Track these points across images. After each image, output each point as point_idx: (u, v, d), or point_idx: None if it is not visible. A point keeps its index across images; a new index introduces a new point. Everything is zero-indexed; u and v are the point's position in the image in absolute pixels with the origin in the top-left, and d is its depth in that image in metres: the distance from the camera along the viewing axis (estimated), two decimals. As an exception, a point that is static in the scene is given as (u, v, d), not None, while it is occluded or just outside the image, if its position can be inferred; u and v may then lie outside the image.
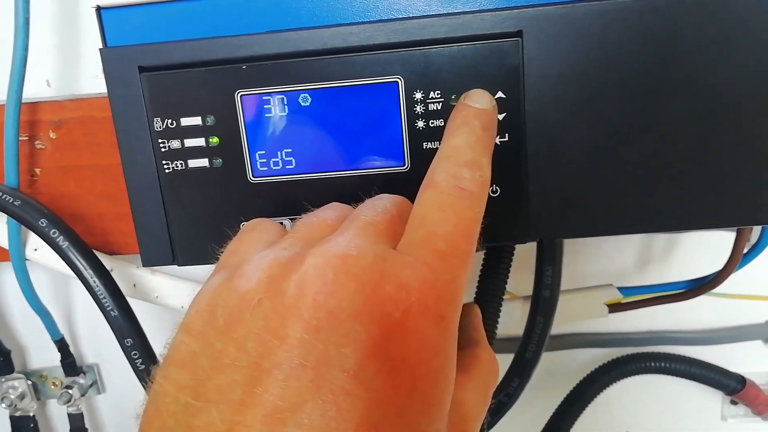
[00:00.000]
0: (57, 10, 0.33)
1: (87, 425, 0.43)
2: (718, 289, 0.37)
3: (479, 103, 0.22)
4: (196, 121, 0.23)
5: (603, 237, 0.40)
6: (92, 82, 0.34)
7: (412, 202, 0.21)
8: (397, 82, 0.23)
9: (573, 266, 0.39)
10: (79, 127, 0.35)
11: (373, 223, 0.18)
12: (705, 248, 0.40)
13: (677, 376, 0.40)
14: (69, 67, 0.34)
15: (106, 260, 0.36)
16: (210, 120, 0.23)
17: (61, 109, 0.35)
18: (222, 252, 0.21)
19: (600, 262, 0.41)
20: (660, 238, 0.40)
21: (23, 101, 0.33)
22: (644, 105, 0.22)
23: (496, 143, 0.23)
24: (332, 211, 0.21)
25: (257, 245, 0.20)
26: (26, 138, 0.35)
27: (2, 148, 0.33)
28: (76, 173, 0.36)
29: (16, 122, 0.33)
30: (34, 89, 0.34)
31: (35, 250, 0.36)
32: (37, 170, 0.36)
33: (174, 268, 0.39)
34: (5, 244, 0.35)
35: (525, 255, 0.36)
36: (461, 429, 0.18)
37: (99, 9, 0.23)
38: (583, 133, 0.23)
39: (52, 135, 0.35)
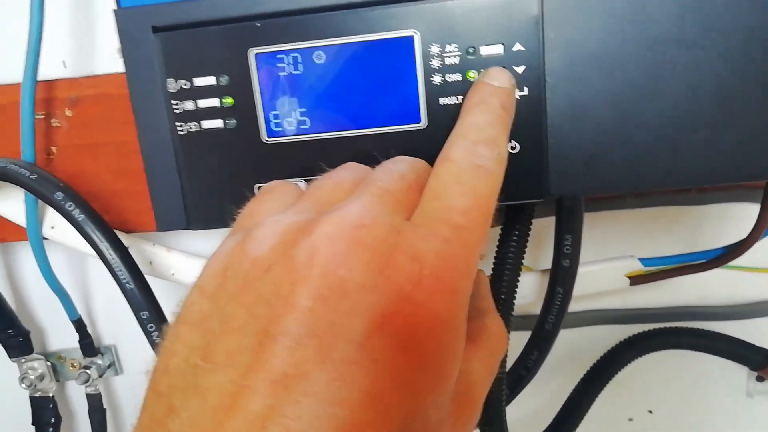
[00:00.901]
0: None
1: (105, 406, 0.43)
2: (742, 262, 0.36)
3: (498, 81, 0.21)
4: (210, 81, 0.23)
5: (621, 210, 0.39)
6: (108, 60, 0.35)
7: (430, 161, 0.20)
8: (413, 35, 0.22)
9: (592, 239, 0.38)
10: (94, 105, 0.35)
11: (389, 190, 0.18)
12: (726, 221, 0.39)
13: (701, 351, 0.39)
14: (85, 47, 0.35)
15: (122, 238, 0.36)
16: (224, 80, 0.23)
17: (77, 86, 0.35)
18: (239, 214, 0.21)
19: (619, 235, 0.40)
20: (678, 212, 0.40)
21: (39, 80, 0.33)
22: (668, 56, 0.22)
23: (516, 97, 0.22)
24: (348, 172, 0.21)
25: (275, 206, 0.20)
26: (42, 116, 0.36)
27: (18, 127, 0.34)
28: (91, 151, 0.36)
29: (32, 100, 0.33)
30: (51, 70, 0.35)
31: (52, 228, 0.36)
32: (54, 149, 0.36)
33: (190, 245, 0.39)
34: (23, 222, 0.35)
35: (544, 230, 0.35)
36: (466, 399, 0.18)
37: (111, -31, 0.23)
38: (604, 87, 0.22)
39: (68, 113, 0.36)
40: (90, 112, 0.35)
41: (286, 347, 0.15)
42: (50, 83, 0.35)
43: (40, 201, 0.34)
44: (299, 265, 0.16)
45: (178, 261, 0.37)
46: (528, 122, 0.23)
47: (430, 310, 0.16)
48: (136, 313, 0.31)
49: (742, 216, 0.36)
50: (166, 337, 0.17)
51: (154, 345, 0.31)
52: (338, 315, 0.15)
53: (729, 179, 0.23)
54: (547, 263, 0.35)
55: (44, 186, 0.30)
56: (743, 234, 0.34)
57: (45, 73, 0.34)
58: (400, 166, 0.20)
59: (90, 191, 0.36)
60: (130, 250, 0.35)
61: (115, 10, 0.23)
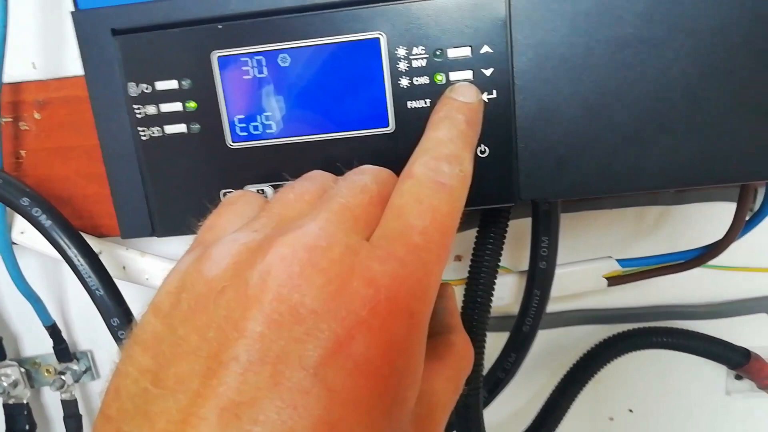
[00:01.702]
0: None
1: (81, 411, 0.42)
2: (721, 262, 0.36)
3: (465, 96, 0.21)
4: (172, 84, 0.22)
5: (599, 210, 0.39)
6: (78, 63, 0.34)
7: (399, 166, 0.20)
8: (379, 38, 0.22)
9: (569, 241, 0.38)
10: (64, 107, 0.34)
11: (348, 206, 0.18)
12: (705, 221, 0.39)
13: (680, 350, 0.39)
14: (54, 49, 0.34)
15: (94, 243, 0.35)
16: (186, 83, 0.23)
17: (45, 88, 0.34)
18: (200, 225, 0.20)
19: (597, 235, 0.40)
20: (657, 211, 0.39)
21: (6, 82, 0.33)
22: (638, 58, 0.22)
23: (483, 100, 0.22)
24: (310, 182, 0.20)
25: (235, 220, 0.19)
26: (10, 120, 0.35)
27: (-15, 131, 0.33)
28: (62, 154, 0.35)
29: (-2, 102, 0.32)
30: (21, 72, 0.34)
31: (22, 233, 0.35)
32: (22, 152, 0.35)
33: (164, 250, 0.38)
34: (-9, 228, 0.35)
35: (522, 231, 0.35)
36: (428, 421, 0.18)
37: (68, -30, 0.22)
38: (574, 88, 0.22)
39: (36, 116, 0.35)
40: (59, 115, 0.35)
41: (236, 374, 0.14)
42: (17, 86, 0.34)
43: (7, 206, 0.33)
44: (252, 289, 0.15)
45: (152, 265, 0.37)
46: (497, 126, 0.22)
47: (386, 335, 0.15)
48: (106, 320, 0.30)
49: (720, 215, 0.36)
50: (120, 358, 0.17)
51: (125, 352, 0.31)
52: (291, 341, 0.14)
53: (700, 182, 0.23)
54: (525, 264, 0.34)
55: (9, 191, 0.30)
56: (721, 232, 0.34)
57: (14, 74, 0.34)
58: (364, 178, 0.19)
59: (60, 196, 0.35)
60: (103, 255, 0.35)
61: (72, 12, 0.23)
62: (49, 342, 0.40)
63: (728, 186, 0.36)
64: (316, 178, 0.20)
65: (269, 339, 0.14)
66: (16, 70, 0.34)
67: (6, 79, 0.32)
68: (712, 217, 0.38)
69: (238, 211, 0.20)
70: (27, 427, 0.41)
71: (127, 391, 0.15)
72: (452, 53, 0.22)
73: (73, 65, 0.34)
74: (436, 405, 0.19)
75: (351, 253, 0.16)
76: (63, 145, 0.35)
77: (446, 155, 0.19)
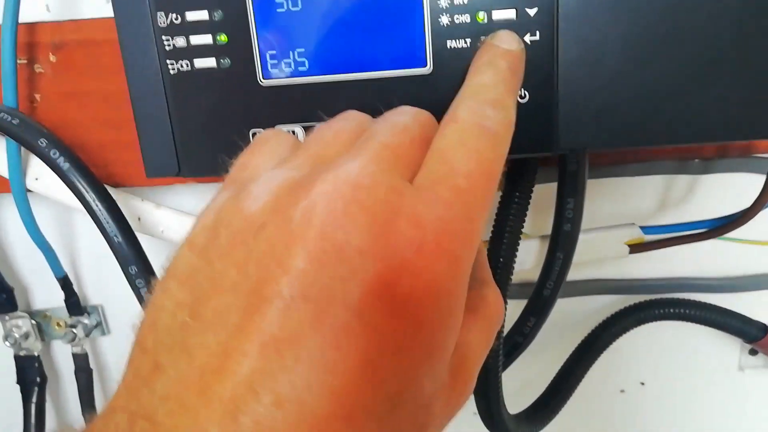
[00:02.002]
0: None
1: (92, 366, 0.42)
2: (741, 235, 0.35)
3: (507, 43, 0.21)
4: (203, 15, 0.22)
5: (624, 177, 0.38)
6: (93, 5, 0.33)
7: (435, 108, 0.19)
8: (420, -29, 0.21)
9: (592, 207, 0.37)
10: (79, 50, 0.34)
11: (390, 146, 0.17)
12: (730, 190, 0.38)
13: (696, 322, 0.39)
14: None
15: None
16: (218, 15, 0.22)
17: (61, 30, 0.33)
18: (232, 165, 0.20)
19: (620, 202, 0.39)
20: (684, 180, 0.39)
21: (21, 23, 0.32)
22: (687, 5, 0.21)
23: (525, 42, 0.21)
24: (348, 122, 0.20)
25: (269, 159, 0.19)
26: (24, 62, 0.34)
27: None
28: (77, 99, 0.34)
29: (13, 43, 0.31)
30: (33, 14, 0.33)
31: (36, 179, 0.35)
32: (37, 96, 0.35)
33: (180, 202, 0.38)
34: (5, 173, 0.34)
35: (543, 196, 0.34)
36: (462, 371, 0.18)
37: None
38: (619, 35, 0.21)
39: (52, 58, 0.34)
40: (75, 58, 0.34)
41: (278, 309, 0.14)
42: (32, 26, 0.33)
43: (23, 149, 0.32)
44: (295, 226, 0.15)
45: (168, 217, 0.36)
46: (538, 70, 0.22)
47: (431, 277, 0.15)
48: (124, 267, 0.30)
49: (745, 187, 0.35)
50: (154, 292, 0.16)
51: (142, 301, 0.31)
52: (334, 279, 0.14)
53: (742, 136, 0.22)
54: (546, 229, 0.34)
55: (27, 132, 0.29)
56: (745, 205, 0.33)
57: (26, 15, 0.33)
58: (404, 118, 0.18)
59: (76, 142, 0.35)
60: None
61: (101, -64, 0.22)
62: (60, 295, 0.40)
63: (759, 156, 0.35)
64: (353, 117, 0.20)
65: (313, 276, 0.14)
66: (30, 12, 0.33)
67: (20, 18, 0.31)
68: (740, 189, 0.38)
69: (272, 150, 0.19)
70: (38, 379, 0.41)
71: (163, 323, 0.15)
72: (496, -11, 0.21)
73: (88, 8, 0.33)
74: (470, 357, 0.18)
75: (396, 193, 0.16)
76: (79, 89, 0.34)
77: (491, 100, 0.18)
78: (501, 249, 0.29)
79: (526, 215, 0.29)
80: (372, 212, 0.15)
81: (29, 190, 0.35)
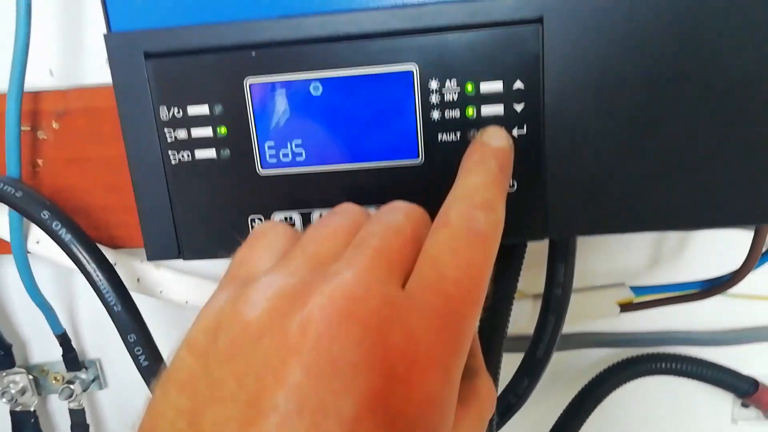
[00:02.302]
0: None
1: (89, 421, 0.42)
2: (730, 289, 0.36)
3: (496, 140, 0.21)
4: (204, 109, 0.23)
5: (615, 235, 0.39)
6: (97, 71, 0.34)
7: (427, 198, 0.20)
8: (412, 70, 0.22)
9: (584, 264, 0.38)
10: (82, 118, 0.34)
11: (384, 251, 0.18)
12: (718, 247, 0.39)
13: (688, 377, 0.39)
14: (72, 56, 0.34)
15: (109, 254, 0.35)
16: (218, 109, 0.23)
17: (64, 98, 0.34)
18: (231, 260, 0.20)
19: (611, 260, 0.40)
20: (672, 237, 0.40)
21: (25, 91, 0.33)
22: (668, 97, 0.22)
23: (513, 135, 0.22)
24: (342, 218, 0.20)
25: (267, 254, 0.20)
26: (28, 128, 0.35)
27: (3, 139, 0.33)
28: (79, 165, 0.35)
29: (17, 112, 0.32)
30: (37, 78, 0.34)
31: (37, 242, 0.35)
32: (40, 161, 0.35)
33: (179, 262, 0.38)
34: (6, 237, 0.35)
35: (535, 253, 0.35)
36: None
37: (104, -7, 0.22)
38: (604, 126, 0.22)
39: (54, 125, 0.35)
40: (78, 125, 0.35)
41: (274, 424, 0.14)
42: (37, 95, 0.34)
43: (25, 216, 0.33)
44: (291, 338, 0.15)
45: (167, 278, 0.37)
46: (526, 161, 0.22)
47: (422, 390, 0.15)
48: (123, 336, 0.30)
49: (736, 240, 0.36)
50: (154, 393, 0.17)
51: (141, 368, 0.31)
52: (329, 393, 0.14)
53: (727, 223, 0.23)
54: (539, 286, 0.34)
55: (30, 204, 0.30)
56: (731, 259, 0.34)
57: (31, 81, 0.33)
58: (397, 218, 0.19)
59: (77, 206, 0.35)
60: (117, 267, 0.35)
61: (105, 35, 0.23)
62: (58, 348, 0.40)
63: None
64: (347, 212, 0.20)
65: (308, 390, 0.14)
66: (33, 76, 0.34)
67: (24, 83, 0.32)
68: (724, 244, 0.39)
69: (269, 245, 0.20)
70: (34, 434, 0.41)
71: (163, 430, 0.16)
72: (484, 87, 0.22)
73: (91, 74, 0.34)
74: None
75: (389, 303, 0.16)
76: (81, 155, 0.35)
77: (481, 202, 0.19)
78: (495, 320, 0.30)
79: (517, 285, 0.29)
80: (366, 325, 0.15)
81: (30, 252, 0.35)
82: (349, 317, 0.15)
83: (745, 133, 0.22)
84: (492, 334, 0.29)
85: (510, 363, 0.36)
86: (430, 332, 0.16)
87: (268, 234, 0.20)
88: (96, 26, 0.33)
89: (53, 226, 0.29)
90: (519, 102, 0.22)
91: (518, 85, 0.22)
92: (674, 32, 0.21)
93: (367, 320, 0.16)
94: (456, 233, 0.18)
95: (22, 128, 0.34)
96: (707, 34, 0.21)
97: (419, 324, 0.16)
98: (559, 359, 0.42)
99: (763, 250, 0.33)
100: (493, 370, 0.31)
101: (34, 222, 0.30)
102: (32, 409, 0.42)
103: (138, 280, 0.36)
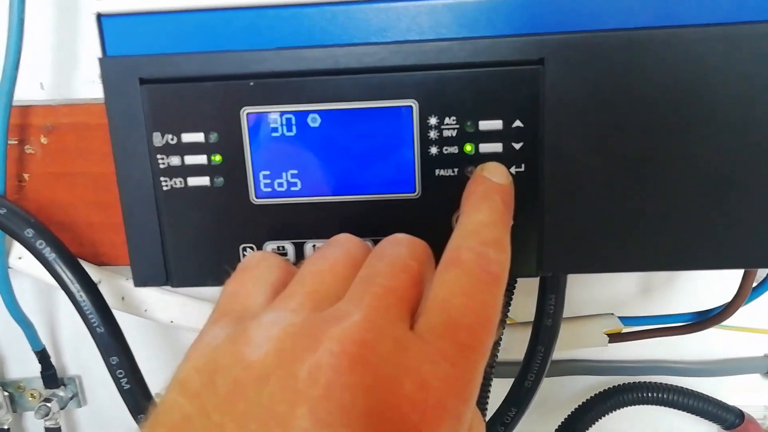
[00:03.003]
0: (55, 12, 0.32)
1: (65, 440, 0.41)
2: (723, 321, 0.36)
3: (498, 177, 0.21)
4: (199, 137, 0.22)
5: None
6: (87, 86, 0.33)
7: (423, 231, 0.20)
8: (412, 106, 0.22)
9: (574, 293, 0.38)
10: (71, 133, 0.34)
11: (392, 289, 0.17)
12: (708, 279, 0.39)
13: (675, 407, 0.39)
14: (64, 70, 0.33)
15: (94, 271, 0.34)
16: (213, 137, 0.22)
17: (54, 113, 0.34)
18: (221, 291, 0.20)
19: (600, 289, 0.40)
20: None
21: (15, 104, 0.32)
22: (666, 141, 0.22)
23: (511, 173, 0.22)
24: (341, 251, 0.20)
25: (260, 288, 0.19)
26: (16, 142, 0.34)
27: (-11, 152, 0.32)
28: (66, 180, 0.34)
29: (5, 125, 0.31)
30: (27, 91, 0.33)
31: (20, 258, 0.34)
32: (26, 176, 0.35)
33: (164, 282, 0.37)
34: (-13, 252, 0.34)
35: (527, 281, 0.35)
36: None
37: (99, 16, 0.22)
38: (600, 168, 0.22)
39: (43, 140, 0.34)
40: (66, 141, 0.34)
41: None
42: (26, 109, 0.34)
43: (8, 231, 0.32)
44: (300, 384, 0.15)
45: (152, 297, 0.36)
46: (523, 199, 0.22)
47: None
48: (106, 358, 0.30)
49: (724, 273, 0.36)
50: None
51: (122, 392, 0.30)
52: None
53: (720, 266, 0.23)
54: (528, 315, 0.34)
55: (14, 222, 0.29)
56: (721, 290, 0.34)
57: (21, 94, 0.33)
58: (401, 252, 0.19)
59: (62, 222, 0.35)
60: (102, 285, 0.34)
61: (100, 59, 0.22)
62: (35, 365, 0.39)
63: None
64: (345, 244, 0.20)
65: None
66: (24, 90, 0.33)
67: (15, 95, 0.32)
68: (713, 276, 0.39)
69: (260, 277, 0.19)
70: (7, 453, 0.40)
71: None
72: (483, 125, 0.22)
73: (83, 88, 0.34)
74: None
75: (401, 348, 0.16)
76: (69, 171, 0.34)
77: (492, 240, 0.19)
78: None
79: (507, 318, 0.29)
80: (377, 372, 0.15)
81: (11, 267, 0.35)
82: (361, 364, 0.15)
83: (736, 182, 0.22)
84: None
85: (497, 388, 0.36)
86: (443, 382, 0.16)
87: (259, 265, 0.20)
88: (89, 42, 0.32)
89: (37, 244, 0.29)
90: (518, 141, 0.22)
91: (517, 124, 0.22)
92: (673, 80, 0.21)
93: (378, 367, 0.15)
94: (467, 273, 0.18)
95: (10, 141, 0.33)
96: (706, 80, 0.21)
97: (431, 372, 0.16)
98: (547, 385, 0.42)
99: (755, 284, 0.33)
100: (482, 401, 0.31)
101: (17, 240, 0.29)
102: (6, 427, 0.40)
103: (123, 298, 0.36)
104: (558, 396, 0.43)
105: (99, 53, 0.23)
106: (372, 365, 0.15)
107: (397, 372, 0.15)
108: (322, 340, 0.15)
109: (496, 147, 0.22)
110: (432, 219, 0.22)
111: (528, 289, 0.34)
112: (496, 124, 0.22)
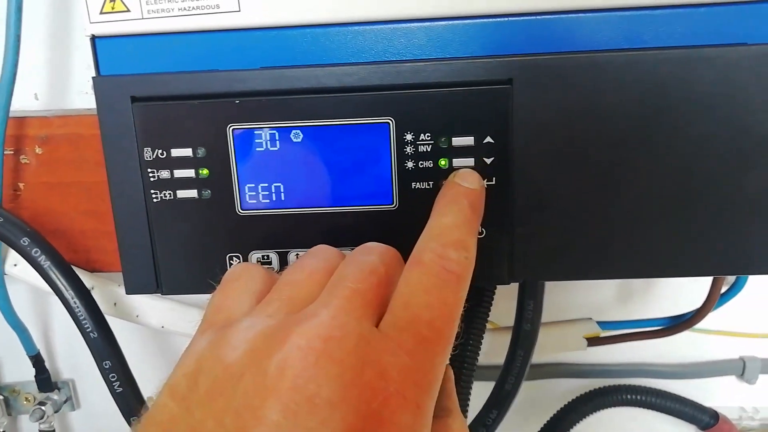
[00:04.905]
0: (49, 25, 0.33)
1: (59, 443, 0.42)
2: (695, 324, 0.38)
3: (469, 182, 0.22)
4: (187, 152, 0.23)
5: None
6: (81, 97, 0.34)
7: (400, 240, 0.21)
8: (389, 123, 0.23)
9: (553, 298, 0.39)
10: (65, 144, 0.35)
11: (359, 291, 0.18)
12: (684, 283, 0.41)
13: (653, 409, 0.41)
14: (58, 81, 0.34)
15: (86, 278, 0.35)
16: (201, 152, 0.23)
17: (49, 124, 0.35)
18: (207, 304, 0.21)
19: (580, 295, 0.41)
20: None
21: (10, 115, 0.33)
22: (630, 155, 0.23)
23: (484, 186, 0.23)
24: (317, 260, 0.21)
25: (242, 298, 0.20)
26: (11, 152, 0.35)
27: (-14, 162, 0.33)
28: (60, 189, 0.35)
29: (2, 137, 0.32)
30: (22, 102, 0.34)
31: (15, 265, 0.35)
32: (21, 185, 0.36)
33: (156, 288, 0.38)
34: (-17, 259, 0.35)
35: (508, 286, 0.36)
36: None
37: (93, 38, 0.23)
38: (569, 180, 0.23)
39: (38, 150, 0.35)
40: (60, 151, 0.35)
41: None
42: (21, 120, 0.35)
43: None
44: (270, 378, 0.16)
45: (143, 303, 0.37)
46: (495, 210, 0.23)
47: (394, 426, 0.16)
48: (99, 362, 0.31)
49: (702, 281, 0.37)
50: None
51: (115, 395, 0.31)
52: (306, 430, 0.15)
53: (685, 274, 0.24)
54: (509, 319, 0.36)
55: (10, 230, 0.30)
56: (698, 294, 0.35)
57: (16, 104, 0.34)
58: (372, 259, 0.20)
59: (56, 229, 0.36)
60: (95, 291, 0.35)
61: (93, 78, 0.23)
62: (30, 368, 0.40)
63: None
64: (323, 254, 0.21)
65: (285, 428, 0.15)
66: (18, 100, 0.34)
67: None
68: (690, 280, 0.40)
69: (244, 287, 0.20)
70: (2, 456, 0.41)
71: None
72: (456, 141, 0.23)
73: (76, 99, 0.35)
74: None
75: (364, 343, 0.17)
76: (63, 180, 0.35)
77: (454, 241, 0.20)
78: (466, 356, 0.31)
79: (486, 324, 0.31)
80: (342, 364, 0.16)
81: (6, 274, 0.35)
82: (326, 357, 0.16)
83: (703, 192, 0.23)
84: (461, 370, 0.30)
85: (479, 391, 0.37)
86: (403, 372, 0.17)
87: (242, 276, 0.21)
88: (82, 54, 0.33)
89: (33, 252, 0.30)
90: (489, 156, 0.23)
91: (488, 140, 0.23)
92: (634, 99, 0.22)
93: (343, 359, 0.16)
94: (428, 272, 0.19)
95: (6, 151, 0.34)
96: (667, 99, 0.22)
97: (391, 363, 0.17)
98: (527, 389, 0.43)
99: (724, 290, 0.35)
100: (463, 403, 0.32)
101: (13, 248, 0.30)
102: (1, 430, 0.41)
103: (115, 304, 0.37)
104: (540, 399, 0.44)
105: (91, 65, 0.24)
106: (336, 359, 0.16)
107: (360, 363, 0.16)
108: (290, 336, 0.17)
109: (469, 161, 0.23)
110: (409, 229, 0.23)
111: (512, 294, 0.35)
112: (468, 140, 0.23)
